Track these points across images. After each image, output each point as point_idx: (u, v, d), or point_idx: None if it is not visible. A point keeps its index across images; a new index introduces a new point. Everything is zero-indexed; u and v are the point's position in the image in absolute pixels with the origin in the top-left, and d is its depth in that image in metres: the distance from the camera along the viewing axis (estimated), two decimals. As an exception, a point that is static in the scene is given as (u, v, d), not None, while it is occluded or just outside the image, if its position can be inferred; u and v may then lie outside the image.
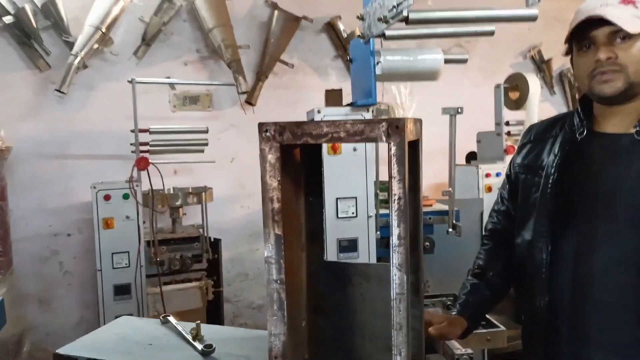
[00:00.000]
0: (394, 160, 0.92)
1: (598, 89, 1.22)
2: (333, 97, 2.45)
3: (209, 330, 1.32)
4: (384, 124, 0.92)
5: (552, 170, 1.35)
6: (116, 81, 3.47)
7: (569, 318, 1.31)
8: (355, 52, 2.35)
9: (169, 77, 3.44)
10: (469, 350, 2.09)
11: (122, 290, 2.89)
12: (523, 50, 4.97)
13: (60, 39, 3.40)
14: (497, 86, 3.70)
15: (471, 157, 4.31)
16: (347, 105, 2.41)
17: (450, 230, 2.62)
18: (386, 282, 1.19)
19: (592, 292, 1.28)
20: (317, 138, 0.96)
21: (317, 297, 1.26)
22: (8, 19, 3.19)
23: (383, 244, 2.51)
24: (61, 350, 1.27)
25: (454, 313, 1.50)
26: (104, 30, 3.32)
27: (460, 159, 4.28)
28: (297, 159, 1.19)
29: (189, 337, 1.28)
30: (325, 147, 2.27)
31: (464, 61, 2.48)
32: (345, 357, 1.24)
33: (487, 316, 2.36)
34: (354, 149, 2.27)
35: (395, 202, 0.93)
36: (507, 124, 3.66)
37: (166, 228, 3.43)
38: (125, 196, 2.86)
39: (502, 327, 2.31)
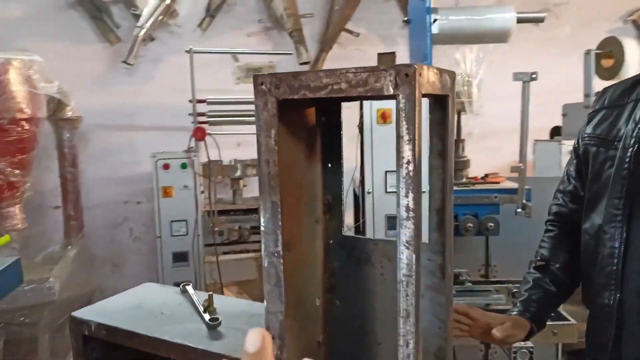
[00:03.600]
0: (402, 115, 0.76)
1: None
2: (386, 61, 2.27)
3: (222, 303, 1.25)
4: (391, 71, 0.76)
5: (632, 142, 1.12)
6: (181, 53, 3.49)
7: None
8: (413, 12, 2.14)
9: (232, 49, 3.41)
10: (529, 344, 1.88)
11: (180, 258, 2.95)
12: (622, 14, 4.39)
13: (129, 12, 3.48)
14: (587, 52, 3.27)
15: (556, 132, 3.91)
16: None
17: (519, 210, 2.36)
18: (410, 262, 1.05)
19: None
20: (316, 91, 0.82)
21: (333, 274, 1.14)
22: (80, -6, 3.31)
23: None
24: (76, 313, 1.25)
25: (514, 313, 1.31)
26: (168, 1, 3.35)
27: (545, 134, 3.91)
28: (311, 120, 1.06)
29: (201, 309, 1.21)
30: (374, 116, 2.11)
31: (541, 20, 2.18)
32: (364, 343, 1.11)
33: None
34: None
35: (404, 166, 0.77)
36: (598, 95, 3.24)
37: (226, 199, 3.45)
38: (183, 166, 2.89)
39: (572, 320, 2.06)
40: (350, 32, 3.78)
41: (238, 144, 3.65)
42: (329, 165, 1.11)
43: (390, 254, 1.07)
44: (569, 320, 2.00)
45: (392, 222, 2.12)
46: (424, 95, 0.82)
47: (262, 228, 0.91)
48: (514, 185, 2.50)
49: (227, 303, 1.28)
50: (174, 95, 3.53)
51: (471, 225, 2.32)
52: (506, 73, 2.52)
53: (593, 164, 1.24)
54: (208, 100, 2.91)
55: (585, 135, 1.29)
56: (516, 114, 2.66)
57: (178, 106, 3.46)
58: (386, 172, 2.16)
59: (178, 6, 3.51)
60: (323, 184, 1.11)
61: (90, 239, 3.59)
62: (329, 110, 1.09)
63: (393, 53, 2.34)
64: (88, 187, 3.57)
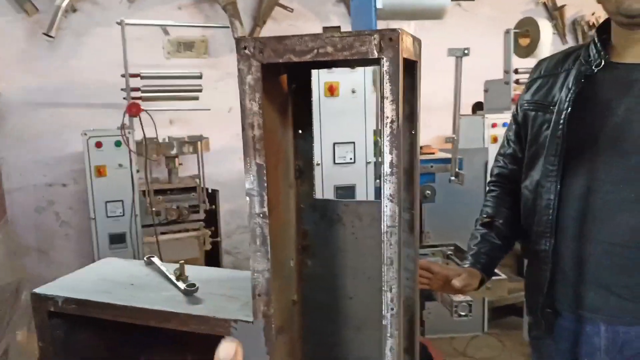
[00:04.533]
0: (386, 78, 0.82)
1: (627, 3, 1.10)
2: (331, 36, 2.31)
3: (194, 271, 1.26)
4: (375, 35, 0.81)
5: (566, 105, 1.25)
6: (107, 26, 3.32)
7: (574, 260, 1.25)
8: (356, -12, 2.19)
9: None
10: (468, 298, 2.05)
11: (117, 239, 2.85)
12: (536, -4, 4.74)
13: (47, -20, 3.24)
14: (507, 31, 3.52)
15: (478, 107, 4.18)
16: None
17: (453, 178, 2.54)
18: (379, 220, 1.12)
19: (600, 233, 1.20)
20: (301, 54, 0.85)
21: (306, 236, 1.19)
22: (-9, -42, 3.03)
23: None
24: (39, 290, 1.21)
25: (466, 265, 1.44)
26: (92, -30, 3.15)
27: (467, 110, 4.16)
28: (284, 86, 1.09)
29: (172, 278, 1.22)
30: (322, 89, 2.16)
31: (472, -2, 2.32)
32: (336, 298, 1.18)
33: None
34: (353, 91, 2.15)
35: (388, 125, 0.83)
36: (517, 71, 3.51)
37: (162, 178, 3.36)
38: (118, 144, 2.78)
39: (504, 276, 2.27)
40: (285, 7, 3.78)
41: (170, 122, 3.55)
42: (299, 131, 1.15)
43: (362, 214, 1.13)
44: (501, 276, 2.20)
45: (340, 192, 2.20)
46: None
47: (247, 190, 0.93)
48: (447, 155, 2.68)
49: (197, 271, 1.29)
50: (101, 70, 3.35)
51: (411, 193, 2.46)
52: (434, 51, 2.66)
53: (532, 127, 1.38)
54: (142, 75, 2.81)
55: (524, 101, 1.42)
56: (443, 89, 2.83)
57: (107, 82, 3.30)
58: (334, 144, 2.22)
59: (102, -24, 3.32)
60: (295, 149, 1.15)
61: (13, 226, 3.36)
62: (299, 77, 1.13)
63: (338, 27, 2.38)
64: (8, 170, 3.32)
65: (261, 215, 0.94)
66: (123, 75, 2.85)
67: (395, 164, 0.84)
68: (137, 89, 2.84)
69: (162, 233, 3.10)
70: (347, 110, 2.13)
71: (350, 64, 1.09)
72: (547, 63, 1.43)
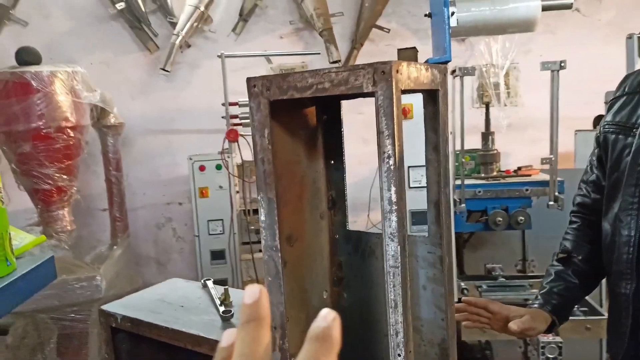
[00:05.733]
0: (380, 112, 0.79)
1: None
2: (407, 57, 2.26)
3: (239, 296, 1.31)
4: (369, 69, 0.79)
5: None
6: (215, 59, 3.61)
7: None
8: (434, 5, 2.13)
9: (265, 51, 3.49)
10: (558, 339, 1.84)
11: (217, 256, 3.05)
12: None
13: (166, 20, 3.63)
14: (630, 36, 3.12)
15: (599, 121, 3.76)
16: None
17: (551, 202, 2.30)
18: (411, 254, 1.07)
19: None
20: (303, 91, 0.86)
21: (341, 267, 1.17)
22: (120, 5, 3.48)
23: (469, 218, 2.29)
24: (105, 307, 1.34)
25: (534, 306, 1.30)
26: (202, 8, 3.47)
27: (589, 124, 3.77)
28: (311, 118, 1.10)
29: (217, 302, 1.28)
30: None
31: (568, 6, 2.11)
32: (369, 333, 1.14)
33: (589, 300, 2.06)
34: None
35: (385, 161, 0.80)
36: (642, 80, 3.09)
37: (262, 198, 3.54)
38: (218, 167, 3.00)
39: (606, 315, 1.99)
40: (381, 28, 3.78)
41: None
42: (332, 162, 1.15)
43: (392, 247, 1.09)
44: (603, 315, 1.94)
45: (416, 217, 2.12)
46: (406, 91, 0.84)
47: (260, 223, 0.96)
48: (546, 177, 2.44)
49: (241, 296, 1.33)
50: (210, 99, 3.65)
51: (501, 219, 2.28)
52: (534, 61, 2.46)
53: (612, 151, 1.21)
54: (240, 103, 3.00)
55: (605, 122, 1.26)
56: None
57: (213, 110, 3.58)
58: (409, 167, 2.16)
59: (212, 12, 3.63)
60: (326, 180, 1.15)
61: (136, 240, 3.77)
62: (330, 108, 1.13)
63: (414, 48, 2.33)
64: (132, 190, 3.76)
65: (274, 248, 0.95)
66: (223, 104, 3.08)
67: (395, 200, 0.80)
68: (235, 116, 3.04)
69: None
70: (422, 132, 2.06)
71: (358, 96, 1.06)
72: (633, 78, 1.26)
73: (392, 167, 0.79)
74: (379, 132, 0.80)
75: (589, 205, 1.34)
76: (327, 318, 0.35)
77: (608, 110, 1.29)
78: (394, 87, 0.77)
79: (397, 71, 0.78)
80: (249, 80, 0.92)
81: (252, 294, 0.36)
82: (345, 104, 1.14)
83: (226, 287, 1.28)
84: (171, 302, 1.34)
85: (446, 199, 0.99)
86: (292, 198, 1.03)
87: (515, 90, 3.68)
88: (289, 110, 1.00)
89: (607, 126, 1.26)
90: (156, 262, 3.91)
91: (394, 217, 0.81)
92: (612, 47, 3.81)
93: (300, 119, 1.06)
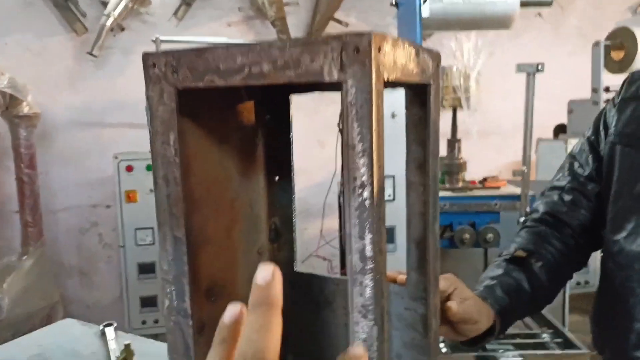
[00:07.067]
0: (351, 113, 0.49)
1: None
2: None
3: (144, 350, 0.97)
4: (334, 44, 0.48)
5: None
6: (154, 44, 3.22)
7: None
8: (402, -6, 1.86)
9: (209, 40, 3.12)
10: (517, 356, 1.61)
11: (146, 269, 2.67)
12: (632, 4, 4.12)
13: (97, -1, 3.20)
14: (596, 44, 3.01)
15: (561, 130, 3.65)
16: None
17: (522, 219, 2.09)
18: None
19: None
20: (227, 75, 0.55)
21: (284, 323, 0.87)
22: (42, -22, 3.03)
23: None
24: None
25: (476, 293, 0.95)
26: (138, -13, 3.07)
27: (547, 133, 3.65)
28: (248, 119, 0.78)
29: (115, 362, 0.94)
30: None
31: (548, 4, 1.91)
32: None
33: (568, 334, 1.85)
34: (393, 115, 1.80)
35: (355, 192, 0.50)
36: (607, 90, 2.97)
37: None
38: (149, 168, 2.61)
39: (585, 349, 1.79)
40: (339, 21, 3.51)
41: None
42: (276, 178, 0.84)
43: (355, 300, 0.80)
44: (582, 349, 1.73)
45: (390, 235, 1.85)
46: (389, 84, 0.55)
47: (161, 274, 0.64)
48: (516, 190, 2.24)
49: (149, 349, 1.00)
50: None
51: (468, 236, 2.05)
52: (509, 66, 2.26)
53: (622, 167, 0.97)
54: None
55: (613, 130, 1.01)
56: (519, 111, 2.39)
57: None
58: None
59: (150, -7, 3.23)
60: (268, 203, 0.84)
61: (56, 246, 3.32)
62: (276, 104, 0.82)
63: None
64: (54, 189, 3.30)
65: (181, 312, 0.63)
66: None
67: (371, 255, 0.50)
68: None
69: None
70: (385, 138, 1.79)
71: (317, 88, 0.76)
72: None
73: (367, 203, 0.49)
74: (348, 146, 0.49)
75: (562, 216, 1.05)
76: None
77: (617, 114, 1.03)
78: (373, 74, 0.48)
79: (379, 50, 0.49)
80: (145, 56, 0.59)
81: (265, 274, 0.35)
82: (298, 99, 0.84)
83: (128, 342, 0.94)
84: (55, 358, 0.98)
85: (434, 238, 0.71)
86: (217, 232, 0.72)
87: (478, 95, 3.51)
88: (213, 105, 0.68)
89: (616, 136, 1.01)
90: (79, 273, 3.46)
91: (368, 281, 0.51)
92: (577, 55, 3.72)
93: (231, 118, 0.75)
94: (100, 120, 3.33)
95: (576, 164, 1.07)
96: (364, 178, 0.49)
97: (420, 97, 0.68)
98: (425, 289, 0.73)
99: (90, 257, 3.46)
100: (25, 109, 2.68)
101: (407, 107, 0.71)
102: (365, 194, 0.49)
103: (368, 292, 0.51)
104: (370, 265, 0.51)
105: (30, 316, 2.62)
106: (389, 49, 0.51)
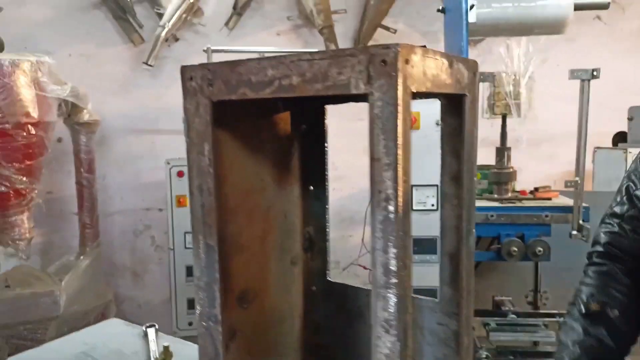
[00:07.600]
0: (377, 125, 0.49)
1: None
2: (415, 58, 1.96)
3: (183, 352, 1.00)
4: (361, 57, 0.49)
5: None
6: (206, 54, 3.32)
7: None
8: (449, 0, 1.83)
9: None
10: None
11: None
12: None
13: (153, 11, 3.33)
14: (660, 47, 2.84)
15: (620, 139, 3.46)
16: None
17: (574, 232, 2.00)
18: (414, 325, 0.76)
19: None
20: (258, 88, 0.56)
21: (318, 331, 0.87)
22: (103, -7, 3.19)
23: (478, 245, 1.99)
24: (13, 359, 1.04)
25: None
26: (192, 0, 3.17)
27: (606, 141, 3.47)
28: (284, 129, 0.80)
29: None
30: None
31: (605, 6, 1.82)
32: None
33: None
34: (437, 123, 1.76)
35: (380, 205, 0.49)
36: (671, 96, 2.80)
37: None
38: (199, 174, 2.69)
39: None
40: (387, 28, 3.48)
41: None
42: (311, 187, 0.84)
43: (387, 313, 0.79)
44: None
45: (420, 245, 1.82)
46: (419, 95, 0.54)
47: (195, 280, 0.65)
48: (568, 202, 2.14)
49: (189, 350, 1.03)
50: (198, 97, 3.35)
51: (516, 249, 1.98)
52: (563, 71, 2.17)
53: None
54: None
55: None
56: (574, 117, 2.29)
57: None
58: (412, 186, 1.86)
59: (203, 4, 3.33)
60: (303, 212, 0.84)
61: (110, 247, 3.47)
62: (311, 114, 0.83)
63: (424, 47, 2.03)
64: (109, 193, 3.45)
65: (212, 319, 0.64)
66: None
67: (395, 270, 0.50)
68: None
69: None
70: (430, 146, 1.75)
71: (346, 99, 0.76)
72: None
73: (391, 217, 0.49)
74: (374, 159, 0.49)
75: (625, 247, 1.03)
76: None
77: None
78: (399, 87, 0.47)
79: (407, 62, 0.48)
80: (183, 70, 0.62)
81: None
82: (336, 108, 0.84)
83: (167, 344, 0.97)
84: (97, 358, 1.03)
85: (469, 252, 0.69)
86: (251, 240, 0.73)
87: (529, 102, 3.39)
88: (248, 116, 0.70)
89: None
90: (132, 273, 3.60)
91: (391, 296, 0.50)
92: (635, 59, 3.53)
93: (267, 128, 0.76)
94: (154, 127, 3.46)
95: (632, 186, 1.03)
96: (389, 191, 0.49)
97: (455, 107, 0.67)
98: (458, 304, 0.71)
99: (143, 259, 3.60)
100: (85, 117, 2.83)
101: (442, 118, 0.70)
102: (390, 207, 0.49)
103: (391, 306, 0.51)
104: (393, 280, 0.50)
105: (85, 313, 2.74)
106: (418, 60, 0.51)
